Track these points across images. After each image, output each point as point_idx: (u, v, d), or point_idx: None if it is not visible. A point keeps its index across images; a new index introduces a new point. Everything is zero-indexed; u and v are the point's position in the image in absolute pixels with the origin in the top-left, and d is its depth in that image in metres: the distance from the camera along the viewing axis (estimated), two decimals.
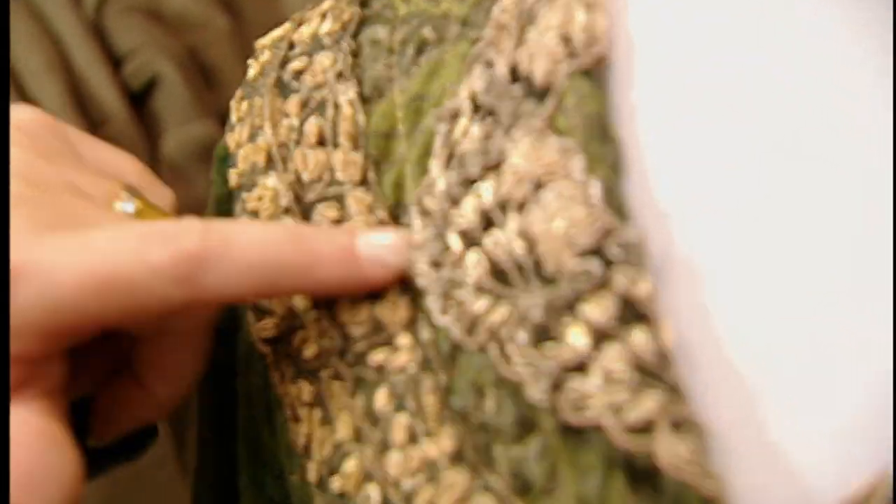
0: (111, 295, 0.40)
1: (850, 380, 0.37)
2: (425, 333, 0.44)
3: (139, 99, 0.83)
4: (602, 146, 0.40)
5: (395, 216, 0.46)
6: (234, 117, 0.50)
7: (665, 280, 0.39)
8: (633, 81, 0.41)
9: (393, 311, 0.45)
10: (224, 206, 0.50)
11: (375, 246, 0.44)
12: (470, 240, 0.42)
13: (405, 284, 0.45)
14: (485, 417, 0.42)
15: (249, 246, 0.42)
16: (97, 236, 0.41)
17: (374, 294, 0.45)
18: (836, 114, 0.39)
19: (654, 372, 0.38)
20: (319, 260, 0.43)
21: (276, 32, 0.51)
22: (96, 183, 0.46)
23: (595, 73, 0.41)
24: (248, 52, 0.52)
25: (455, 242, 0.42)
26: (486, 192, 0.42)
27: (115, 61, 0.83)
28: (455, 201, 0.43)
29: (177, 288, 0.41)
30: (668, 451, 0.37)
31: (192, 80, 0.85)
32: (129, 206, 0.46)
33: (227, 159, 0.50)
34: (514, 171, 0.41)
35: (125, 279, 0.40)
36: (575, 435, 0.39)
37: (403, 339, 0.44)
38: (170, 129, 0.83)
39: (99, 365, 0.47)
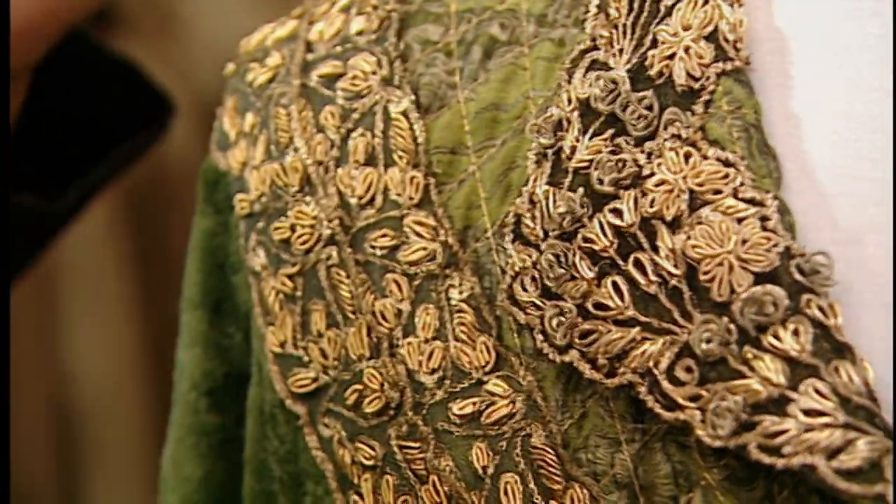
0: None
1: None
2: (525, 377, 0.38)
3: None
4: (764, 159, 0.36)
5: (464, 241, 0.39)
6: (230, 132, 0.42)
7: (851, 310, 0.35)
8: (790, 86, 0.37)
9: (473, 354, 0.38)
10: (218, 238, 0.42)
11: None
12: (605, 264, 0.36)
13: (481, 322, 0.38)
14: (621, 472, 0.36)
15: None
16: None
17: (441, 334, 0.39)
18: None
19: (864, 412, 0.34)
20: None
21: (279, 32, 0.43)
22: None
23: (745, 75, 0.37)
24: None
25: (585, 268, 0.37)
26: (626, 210, 0.36)
27: None
28: (578, 221, 0.37)
29: None
30: None
31: None
32: None
33: (220, 183, 0.42)
34: (663, 187, 0.36)
35: None
36: (744, 489, 0.35)
37: (495, 386, 0.38)
38: None
39: None
